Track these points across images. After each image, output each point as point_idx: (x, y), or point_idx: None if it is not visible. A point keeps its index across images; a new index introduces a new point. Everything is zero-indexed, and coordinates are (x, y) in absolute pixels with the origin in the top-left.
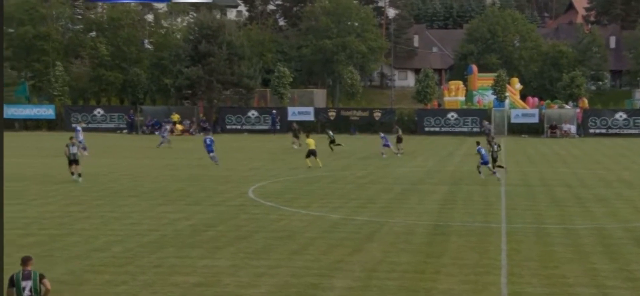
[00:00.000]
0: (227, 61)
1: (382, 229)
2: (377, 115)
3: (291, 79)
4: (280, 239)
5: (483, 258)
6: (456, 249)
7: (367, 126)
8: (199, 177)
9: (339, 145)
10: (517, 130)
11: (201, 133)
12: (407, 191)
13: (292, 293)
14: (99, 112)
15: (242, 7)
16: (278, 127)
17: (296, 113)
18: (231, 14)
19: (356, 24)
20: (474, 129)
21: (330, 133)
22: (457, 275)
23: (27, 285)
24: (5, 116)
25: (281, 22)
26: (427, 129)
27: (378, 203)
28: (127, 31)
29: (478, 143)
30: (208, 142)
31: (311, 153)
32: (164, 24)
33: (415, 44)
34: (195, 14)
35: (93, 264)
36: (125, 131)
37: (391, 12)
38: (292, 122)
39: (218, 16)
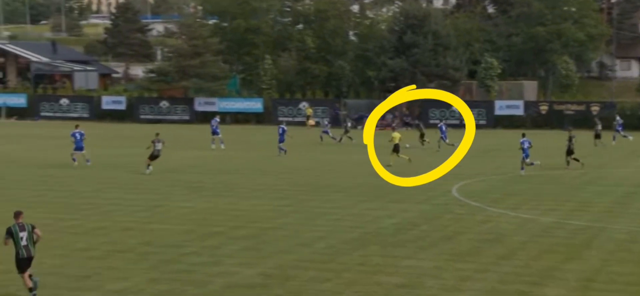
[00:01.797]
0: (432, 52)
1: (600, 235)
2: (595, 109)
3: (499, 70)
4: (487, 242)
5: None
6: None
7: (583, 121)
8: (400, 173)
9: (426, 141)
10: None
11: (405, 128)
12: (630, 194)
13: None
14: (304, 105)
15: None
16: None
17: (504, 107)
18: (438, 2)
19: (573, 9)
20: None
21: (422, 125)
22: None
23: (24, 235)
24: (217, 109)
25: (490, 10)
26: None
27: (596, 206)
28: (333, 23)
29: None
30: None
31: (395, 148)
32: (369, 14)
33: None
34: (400, 3)
35: (299, 259)
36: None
37: None
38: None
39: (424, 5)
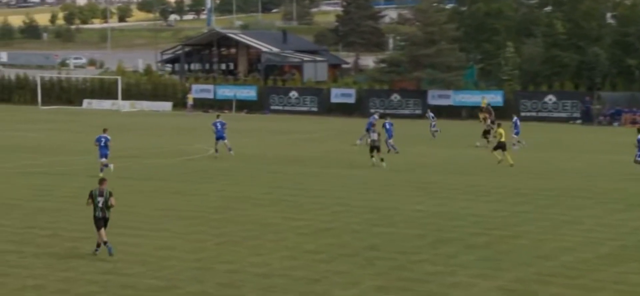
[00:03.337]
0: None
1: None
2: None
3: None
4: None
5: None
6: None
7: None
8: None
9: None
10: None
11: None
12: None
13: None
14: (550, 99)
15: None
16: None
17: None
18: None
19: None
20: None
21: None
22: None
23: (101, 199)
24: (452, 102)
25: None
26: None
27: None
28: (587, 4)
29: None
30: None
31: (500, 146)
32: None
33: None
34: None
35: (541, 273)
36: (578, 121)
37: None
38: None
39: None
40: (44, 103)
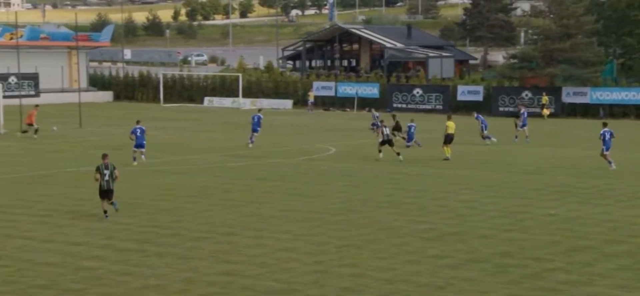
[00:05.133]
0: None
1: None
2: None
3: None
4: None
5: None
6: None
7: None
8: None
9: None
10: None
11: None
12: None
13: None
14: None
15: None
16: None
17: None
18: None
19: None
20: None
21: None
22: None
23: (106, 172)
24: (589, 101)
25: None
26: None
27: None
28: None
29: None
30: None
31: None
32: None
33: None
34: None
35: None
36: None
37: None
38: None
39: None
40: (165, 100)
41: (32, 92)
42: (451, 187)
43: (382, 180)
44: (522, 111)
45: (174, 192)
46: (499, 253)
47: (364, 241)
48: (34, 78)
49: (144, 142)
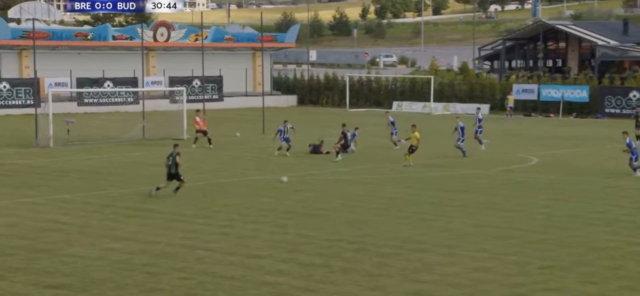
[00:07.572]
0: None
1: None
2: None
3: None
4: None
5: None
6: None
7: None
8: None
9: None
10: None
11: None
12: None
13: None
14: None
15: None
16: None
17: None
18: None
19: None
20: None
21: None
22: None
23: (171, 159)
24: None
25: None
26: None
27: None
28: None
29: None
30: None
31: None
32: None
33: None
34: None
35: None
36: None
37: None
38: None
39: None
40: (351, 105)
41: (216, 96)
42: None
43: (592, 194)
44: None
45: (361, 203)
46: None
47: (571, 262)
48: (218, 81)
49: (289, 138)
